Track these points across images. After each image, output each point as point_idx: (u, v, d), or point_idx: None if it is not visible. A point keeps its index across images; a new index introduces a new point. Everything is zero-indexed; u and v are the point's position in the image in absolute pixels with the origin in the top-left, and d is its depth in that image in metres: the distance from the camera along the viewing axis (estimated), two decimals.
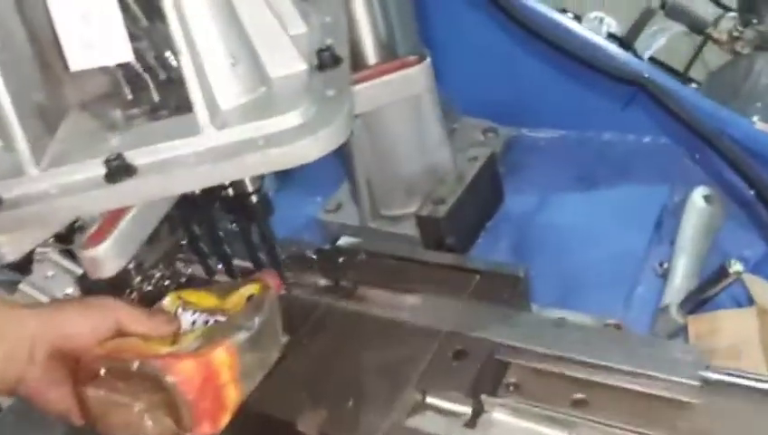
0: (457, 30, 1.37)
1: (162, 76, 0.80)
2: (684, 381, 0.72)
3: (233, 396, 0.66)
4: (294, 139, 0.69)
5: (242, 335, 0.69)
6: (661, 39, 1.41)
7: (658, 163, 1.24)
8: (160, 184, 0.69)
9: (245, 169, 0.69)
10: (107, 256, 0.68)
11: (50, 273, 1.07)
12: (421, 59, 0.83)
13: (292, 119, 0.70)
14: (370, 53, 1.08)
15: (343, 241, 0.99)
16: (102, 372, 0.66)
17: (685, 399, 0.72)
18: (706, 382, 0.71)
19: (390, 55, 1.07)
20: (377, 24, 1.07)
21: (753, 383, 0.71)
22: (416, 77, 0.83)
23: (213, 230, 0.96)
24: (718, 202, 1.17)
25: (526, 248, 1.15)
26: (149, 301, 0.95)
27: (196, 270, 1.03)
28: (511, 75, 1.38)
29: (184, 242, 1.01)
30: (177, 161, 0.70)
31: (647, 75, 1.20)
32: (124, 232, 0.70)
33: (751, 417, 0.69)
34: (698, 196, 1.17)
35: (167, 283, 0.99)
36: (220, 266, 0.98)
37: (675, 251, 1.11)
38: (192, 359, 0.65)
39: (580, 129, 1.34)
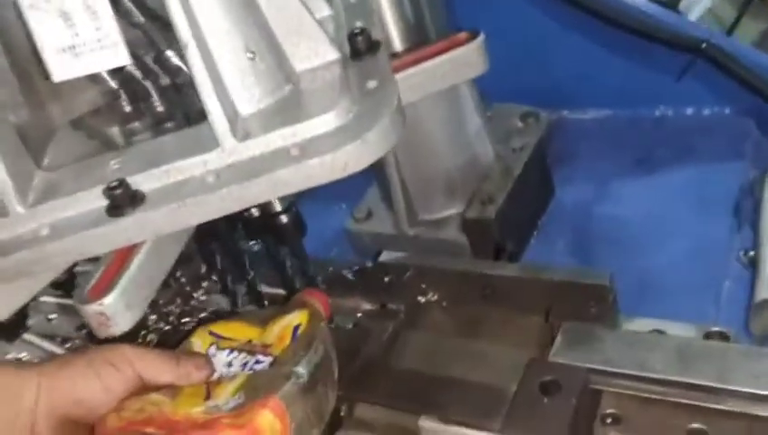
0: (484, 9, 1.24)
1: (165, 81, 0.68)
2: None
3: None
4: (337, 145, 0.55)
5: (291, 387, 0.55)
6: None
7: (725, 138, 1.11)
8: (175, 214, 0.56)
9: (278, 187, 0.56)
10: (116, 310, 0.55)
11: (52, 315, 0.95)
12: (474, 35, 0.70)
13: (330, 120, 0.57)
14: (397, 39, 0.95)
15: (386, 256, 0.86)
16: None
17: None
18: None
19: (420, 39, 0.94)
20: (403, 4, 0.94)
21: None
22: (472, 57, 0.70)
23: (236, 256, 0.83)
24: None
25: (588, 247, 1.02)
26: (169, 342, 0.83)
27: (217, 301, 0.90)
28: (545, 53, 1.25)
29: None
30: (194, 184, 0.57)
31: (708, 40, 1.06)
32: (135, 277, 0.56)
33: None
34: None
35: (186, 319, 0.86)
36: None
37: (760, 237, 0.97)
38: (232, 430, 0.51)
39: (628, 106, 1.21)
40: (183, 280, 0.86)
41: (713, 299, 0.90)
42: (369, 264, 0.85)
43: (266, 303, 0.84)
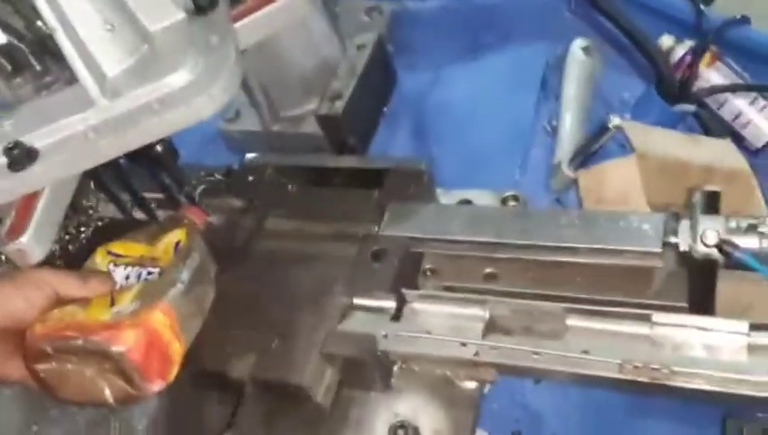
0: None
1: (39, 43, 0.79)
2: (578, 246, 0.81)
3: (177, 349, 0.72)
4: (188, 98, 0.70)
5: (176, 291, 0.73)
6: None
7: (539, 20, 1.29)
8: (65, 164, 0.70)
9: (147, 136, 0.71)
10: (32, 245, 0.70)
11: None
12: None
13: (182, 76, 0.71)
14: None
15: (249, 158, 1.02)
16: (49, 350, 0.69)
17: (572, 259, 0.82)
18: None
19: None
20: None
21: None
22: (296, 2, 0.83)
23: (118, 169, 0.97)
24: (596, 52, 1.24)
25: (426, 129, 1.20)
26: (72, 252, 0.98)
27: (108, 209, 1.05)
28: None
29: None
30: (78, 138, 0.71)
31: None
32: (42, 216, 0.72)
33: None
34: (577, 48, 1.23)
35: (83, 229, 1.01)
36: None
37: (560, 108, 1.18)
38: (133, 328, 0.69)
39: None
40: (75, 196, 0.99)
41: (520, 166, 1.12)
42: (235, 167, 1.02)
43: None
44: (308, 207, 0.94)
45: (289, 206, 0.95)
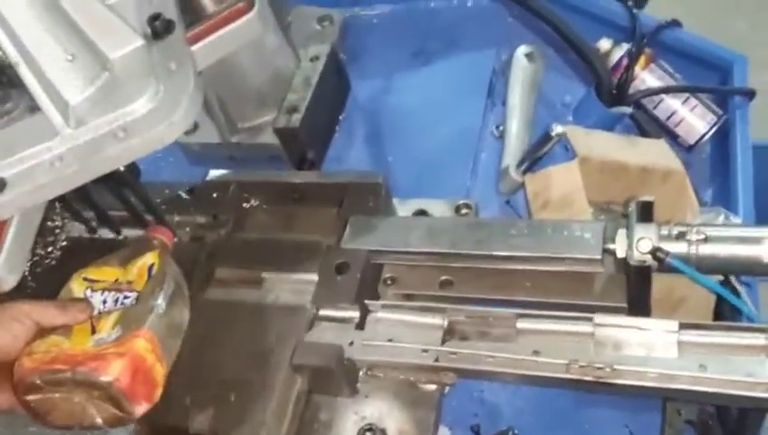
0: None
1: None
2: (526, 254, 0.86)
3: (160, 371, 0.74)
4: (151, 125, 0.73)
5: (154, 317, 0.75)
6: None
7: (484, 26, 1.34)
8: (33, 193, 0.72)
9: (111, 163, 0.74)
10: (4, 273, 0.72)
11: None
12: (250, 5, 0.85)
13: (144, 104, 0.73)
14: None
15: (212, 175, 1.04)
16: (39, 382, 0.71)
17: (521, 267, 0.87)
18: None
19: None
20: None
21: None
22: (251, 24, 0.86)
23: (82, 189, 0.99)
24: (539, 57, 1.29)
25: (380, 136, 1.24)
26: (39, 272, 1.00)
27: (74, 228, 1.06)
28: None
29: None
30: (44, 167, 0.73)
31: None
32: (13, 244, 0.74)
33: None
34: (521, 55, 1.28)
35: (50, 249, 1.02)
36: None
37: (506, 113, 1.23)
38: (119, 357, 0.71)
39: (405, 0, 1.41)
40: None
41: (470, 172, 1.17)
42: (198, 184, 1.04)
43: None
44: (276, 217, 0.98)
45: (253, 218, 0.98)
